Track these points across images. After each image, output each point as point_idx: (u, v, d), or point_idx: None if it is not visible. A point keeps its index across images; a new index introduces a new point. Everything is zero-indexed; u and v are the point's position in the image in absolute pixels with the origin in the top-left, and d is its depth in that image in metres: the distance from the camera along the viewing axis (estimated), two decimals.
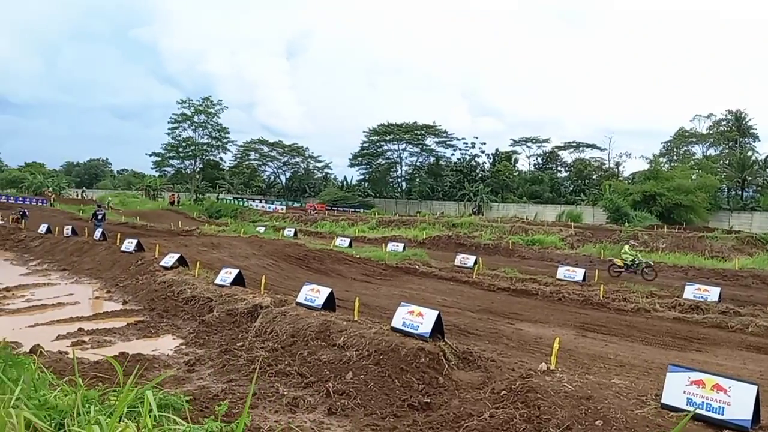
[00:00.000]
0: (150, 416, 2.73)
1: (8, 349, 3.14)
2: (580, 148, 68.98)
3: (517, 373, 5.58)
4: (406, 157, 71.98)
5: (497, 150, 68.27)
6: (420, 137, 69.08)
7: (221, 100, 64.68)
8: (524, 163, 71.64)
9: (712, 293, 12.39)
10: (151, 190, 63.31)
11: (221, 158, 69.09)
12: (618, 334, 9.09)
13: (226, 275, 10.30)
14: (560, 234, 29.60)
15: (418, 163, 71.98)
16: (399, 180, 73.72)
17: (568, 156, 70.26)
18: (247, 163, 78.72)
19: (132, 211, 41.03)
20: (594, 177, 64.16)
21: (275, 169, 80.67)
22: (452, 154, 69.91)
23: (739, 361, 7.75)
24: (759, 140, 59.85)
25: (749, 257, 23.15)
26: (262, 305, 8.09)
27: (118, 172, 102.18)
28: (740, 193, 56.36)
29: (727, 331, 9.71)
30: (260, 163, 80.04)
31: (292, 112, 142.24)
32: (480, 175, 63.03)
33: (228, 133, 65.54)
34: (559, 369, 5.46)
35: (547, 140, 70.34)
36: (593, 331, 9.22)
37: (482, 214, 48.97)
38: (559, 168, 70.83)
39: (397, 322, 6.49)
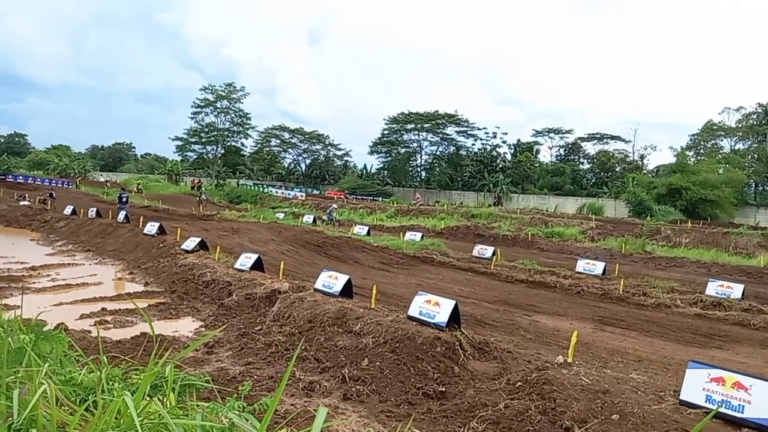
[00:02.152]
0: (174, 393, 2.79)
1: (41, 325, 3.23)
2: (604, 140, 67.82)
3: (533, 365, 5.55)
4: (426, 146, 71.72)
5: (518, 140, 67.57)
6: (441, 126, 68.65)
7: (243, 87, 65.19)
8: (546, 155, 70.80)
9: (736, 290, 12.15)
10: (174, 174, 64.20)
11: (242, 144, 69.90)
12: (637, 329, 8.98)
13: (246, 260, 10.42)
14: (581, 227, 29.26)
15: (438, 153, 71.64)
16: (418, 169, 73.48)
17: (591, 148, 69.19)
18: (267, 149, 79.29)
19: (154, 195, 41.69)
20: (617, 169, 63.10)
21: (295, 156, 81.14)
22: (473, 144, 69.43)
23: (761, 359, 7.61)
24: None
25: None
26: (281, 290, 8.17)
27: (141, 156, 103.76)
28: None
29: (749, 329, 9.52)
30: (281, 149, 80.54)
31: (313, 99, 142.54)
32: (500, 166, 62.46)
33: (249, 119, 66.14)
34: (576, 362, 5.42)
35: (570, 131, 69.36)
36: (612, 326, 9.13)
37: (502, 205, 48.60)
38: (581, 160, 69.78)
39: (413, 310, 6.50)
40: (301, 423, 3.91)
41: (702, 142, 64.00)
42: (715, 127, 62.77)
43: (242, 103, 64.16)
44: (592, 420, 4.18)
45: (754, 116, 59.59)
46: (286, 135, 78.61)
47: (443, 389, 5.15)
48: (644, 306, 10.96)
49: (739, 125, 61.28)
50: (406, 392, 5.14)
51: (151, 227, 14.97)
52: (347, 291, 7.87)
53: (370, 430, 3.10)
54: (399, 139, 71.59)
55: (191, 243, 12.50)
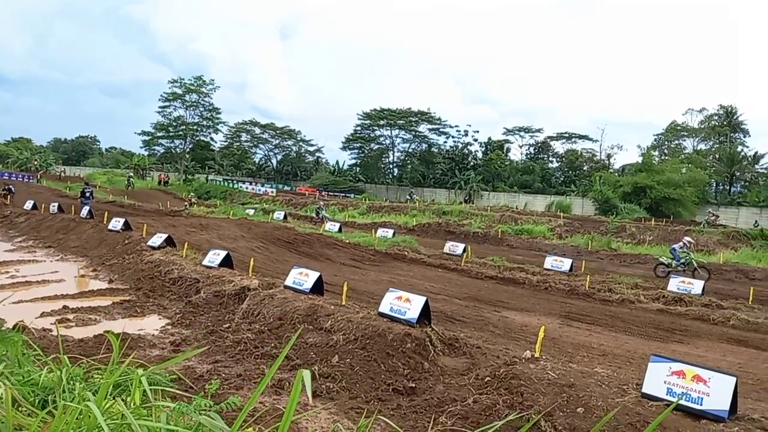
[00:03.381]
0: (138, 392, 2.72)
1: None
2: (572, 139, 69.13)
3: (501, 360, 5.63)
4: (398, 143, 71.83)
5: (489, 138, 68.32)
6: (413, 124, 68.86)
7: (213, 80, 63.88)
8: (516, 153, 71.79)
9: (696, 286, 12.57)
10: (140, 169, 62.69)
11: (212, 139, 68.70)
12: (602, 324, 9.21)
13: (214, 257, 10.26)
14: (549, 224, 29.81)
15: (410, 150, 71.85)
16: (391, 166, 73.58)
17: (560, 146, 70.45)
18: (237, 144, 78.16)
19: (120, 190, 40.64)
20: (585, 168, 64.45)
21: (266, 152, 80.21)
22: (445, 142, 69.86)
23: (720, 353, 7.89)
24: (749, 136, 60.48)
25: (734, 252, 23.51)
26: (250, 287, 8.07)
27: (106, 150, 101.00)
28: (728, 188, 57.00)
29: (709, 323, 9.86)
30: (251, 144, 79.50)
31: (284, 95, 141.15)
32: (472, 164, 63.07)
33: (219, 113, 65.00)
34: (543, 357, 5.51)
35: (539, 130, 70.46)
36: (578, 321, 9.33)
37: (473, 203, 49.11)
38: (550, 158, 70.99)
39: (384, 307, 6.51)
40: (270, 421, 3.87)
41: (666, 142, 65.92)
42: (678, 128, 64.73)
43: (212, 97, 63.01)
44: (558, 413, 4.26)
45: (716, 117, 61.68)
46: (257, 130, 77.63)
47: (413, 385, 5.17)
48: (609, 301, 11.23)
49: (702, 126, 63.34)
50: (376, 388, 5.14)
51: (116, 223, 14.59)
52: (318, 288, 7.83)
53: (338, 425, 3.09)
54: (372, 135, 71.52)
55: (158, 239, 12.24)
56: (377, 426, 4.41)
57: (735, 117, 59.99)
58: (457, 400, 4.73)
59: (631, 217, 36.94)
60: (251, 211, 29.53)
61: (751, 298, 12.24)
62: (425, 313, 6.35)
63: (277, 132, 77.51)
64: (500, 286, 12.74)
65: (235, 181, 59.57)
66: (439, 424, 4.33)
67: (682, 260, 15.99)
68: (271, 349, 5.93)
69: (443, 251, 17.83)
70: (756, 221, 40.29)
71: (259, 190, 53.31)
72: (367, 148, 72.18)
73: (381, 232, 21.78)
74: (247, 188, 53.67)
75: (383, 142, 72.11)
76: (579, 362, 6.19)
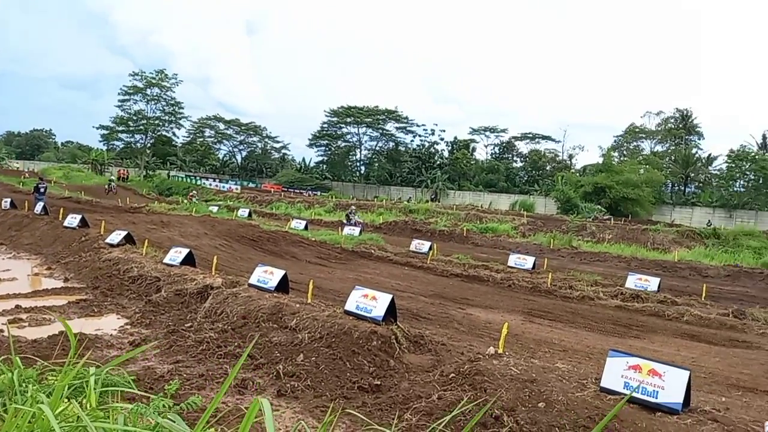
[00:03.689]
0: (95, 394, 2.64)
1: None
2: (536, 140, 70.68)
3: (465, 356, 5.69)
4: (365, 141, 71.94)
5: (455, 138, 69.16)
6: (381, 122, 69.04)
7: (176, 74, 62.46)
8: (482, 152, 72.89)
9: (652, 283, 13.01)
10: (98, 164, 60.70)
11: (174, 134, 67.21)
12: (563, 320, 9.43)
13: (176, 254, 10.02)
14: (513, 222, 30.36)
15: (377, 148, 71.98)
16: (358, 164, 73.52)
17: (524, 146, 71.97)
18: (201, 140, 76.67)
19: (77, 186, 39.25)
20: (548, 168, 65.95)
21: (231, 148, 78.98)
22: (412, 140, 70.35)
23: (674, 347, 8.19)
24: (703, 138, 63.23)
25: (688, 250, 24.46)
26: (213, 286, 7.93)
27: (62, 144, 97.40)
28: (683, 188, 59.26)
29: (664, 319, 10.22)
30: (215, 140, 78.12)
31: (250, 91, 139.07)
32: (438, 163, 63.67)
33: (182, 108, 63.66)
34: (507, 353, 5.60)
35: (504, 130, 71.76)
36: (540, 317, 9.53)
37: (439, 201, 49.54)
38: (515, 158, 72.39)
39: (350, 305, 6.49)
40: (232, 421, 3.81)
41: (625, 144, 68.11)
42: (637, 130, 66.97)
43: (174, 91, 61.60)
44: (520, 408, 4.34)
45: (672, 120, 64.12)
46: (221, 126, 76.31)
47: (378, 382, 5.18)
48: (570, 298, 11.51)
49: (659, 128, 65.73)
50: (341, 386, 5.13)
51: (72, 219, 14.07)
52: (283, 286, 7.74)
53: (302, 424, 3.06)
54: (339, 133, 71.36)
55: (117, 236, 11.86)
56: (342, 424, 4.41)
57: (690, 120, 62.50)
58: (422, 397, 4.76)
59: (592, 217, 37.99)
60: (215, 208, 28.99)
61: (703, 295, 12.74)
62: (391, 310, 6.37)
63: (242, 128, 76.39)
64: (465, 283, 12.88)
65: (198, 178, 58.39)
66: (405, 421, 4.35)
67: None
68: (235, 349, 5.84)
69: (409, 249, 17.92)
70: (709, 221, 42.02)
71: (223, 186, 52.45)
72: (334, 145, 71.97)
73: (347, 230, 21.73)
74: (210, 185, 52.70)
75: (350, 140, 72.08)
76: (541, 358, 6.32)
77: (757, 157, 48.67)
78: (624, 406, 4.27)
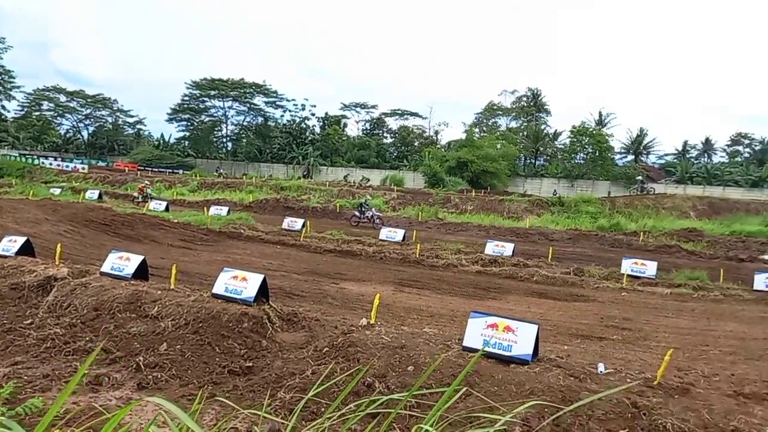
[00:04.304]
0: None
1: None
2: (404, 116, 72.80)
3: (339, 330, 5.76)
4: (232, 116, 68.64)
5: (327, 114, 68.73)
6: (248, 95, 66.20)
7: (4, 38, 53.91)
8: (353, 128, 73.40)
9: (507, 249, 14.24)
10: None
11: (3, 107, 58.29)
12: (431, 288, 9.96)
13: (10, 244, 8.77)
14: (384, 197, 31.19)
15: (245, 123, 69.15)
16: (224, 140, 70.08)
17: (393, 123, 73.77)
18: (38, 114, 67.43)
19: None
20: (416, 144, 68.47)
21: (75, 123, 70.63)
22: (282, 116, 68.60)
23: (525, 305, 9.07)
24: (551, 115, 69.92)
25: (537, 217, 27.15)
26: (57, 277, 7.08)
27: None
28: (534, 161, 65.28)
29: (517, 280, 11.27)
30: (55, 114, 69.25)
31: (97, 58, 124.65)
32: (310, 138, 62.95)
33: (13, 77, 55.46)
34: (378, 323, 5.77)
35: (374, 106, 72.82)
36: (410, 287, 9.97)
37: (311, 178, 49.19)
38: (385, 134, 73.99)
39: (219, 288, 6.22)
40: (84, 421, 3.46)
41: (484, 120, 72.96)
42: (494, 107, 72.04)
43: (2, 57, 53.26)
44: (391, 374, 4.52)
45: (525, 98, 69.95)
46: (63, 98, 67.73)
47: (250, 364, 5.04)
48: (437, 267, 12.19)
49: (513, 106, 71.39)
50: (210, 372, 4.91)
51: None
52: (142, 273, 7.16)
53: (162, 414, 2.87)
54: (202, 106, 67.13)
55: None
56: (212, 410, 4.23)
57: (539, 99, 68.70)
58: (295, 374, 4.74)
59: (456, 189, 40.35)
60: (57, 191, 25.88)
61: (550, 257, 14.26)
62: (263, 290, 6.22)
63: (88, 100, 68.54)
64: (338, 258, 13.02)
65: (35, 157, 51.46)
66: (278, 399, 4.29)
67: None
68: (86, 344, 5.29)
69: (282, 227, 17.62)
70: (555, 190, 46.89)
71: (67, 166, 46.93)
72: (198, 120, 67.72)
73: (214, 210, 20.72)
74: (51, 164, 46.82)
75: (215, 115, 68.29)
76: (410, 324, 6.63)
77: (594, 132, 55.07)
78: (484, 361, 4.65)
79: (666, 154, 67.08)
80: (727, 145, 66.30)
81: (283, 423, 2.90)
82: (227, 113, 67.96)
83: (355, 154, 63.29)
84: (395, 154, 68.60)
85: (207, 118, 68.04)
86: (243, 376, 4.88)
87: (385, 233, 16.42)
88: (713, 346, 6.76)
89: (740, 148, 65.52)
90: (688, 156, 65.62)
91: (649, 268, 12.31)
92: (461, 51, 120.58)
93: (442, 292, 9.77)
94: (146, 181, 29.05)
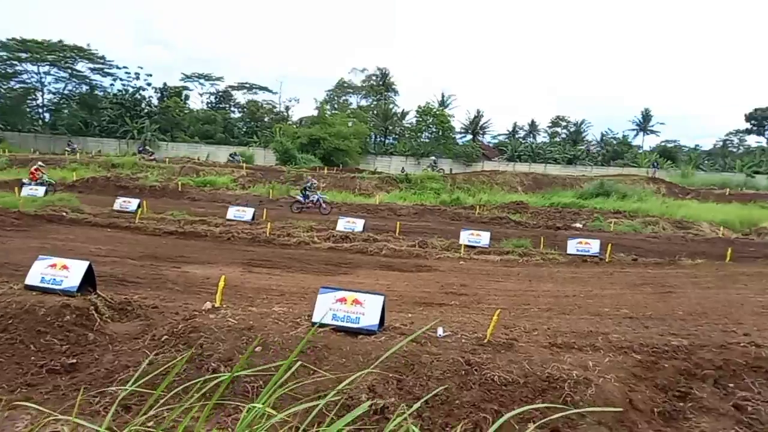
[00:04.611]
0: None
1: None
2: (253, 90, 70.20)
3: (180, 316, 5.42)
4: (50, 83, 59.81)
5: (165, 84, 63.34)
6: (68, 60, 58.10)
7: None
8: (197, 101, 68.89)
9: (358, 224, 14.59)
10: None
11: None
12: (281, 267, 9.83)
13: None
14: (232, 175, 29.93)
15: (66, 92, 60.82)
16: (40, 110, 61.02)
17: (241, 97, 70.67)
18: None
19: None
20: (266, 119, 66.49)
21: None
22: (112, 85, 61.53)
23: (374, 278, 9.41)
24: (399, 95, 72.61)
25: (387, 193, 28.24)
26: None
27: None
28: (383, 139, 67.50)
29: (367, 255, 11.63)
30: None
31: None
32: (146, 111, 57.56)
33: None
34: (224, 306, 5.55)
35: (220, 78, 69.08)
36: (259, 266, 9.73)
37: (151, 154, 45.19)
38: (232, 108, 70.65)
39: (33, 278, 5.46)
40: None
41: (336, 98, 73.30)
42: (345, 85, 72.66)
43: None
44: (237, 356, 4.38)
45: (374, 77, 71.61)
46: None
47: (74, 361, 4.52)
48: (288, 245, 12.06)
49: (363, 84, 72.69)
50: (24, 374, 4.31)
51: None
52: None
53: None
54: (10, 71, 57.43)
55: None
56: (27, 415, 3.71)
57: (388, 78, 70.88)
58: (129, 366, 4.36)
59: (309, 167, 40.15)
60: None
61: (397, 231, 14.92)
62: (89, 279, 5.59)
63: None
64: (181, 240, 12.21)
65: None
66: (107, 395, 3.91)
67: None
68: None
69: (113, 209, 15.98)
70: (403, 168, 49.00)
71: None
72: (5, 87, 57.84)
73: (28, 190, 18.05)
74: None
75: (28, 81, 58.97)
76: (259, 305, 6.47)
77: (437, 112, 58.46)
78: (333, 335, 4.72)
79: (499, 134, 74.11)
80: (549, 127, 75.11)
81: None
82: (43, 80, 59.14)
83: (198, 129, 59.40)
84: (244, 130, 65.93)
85: (17, 85, 58.44)
86: (66, 375, 4.36)
87: (233, 212, 15.76)
88: (534, 305, 7.68)
89: (559, 129, 74.57)
90: (517, 136, 73.01)
91: (483, 238, 13.53)
92: (312, 25, 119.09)
93: (294, 270, 9.70)
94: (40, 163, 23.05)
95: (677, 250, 13.81)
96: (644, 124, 70.77)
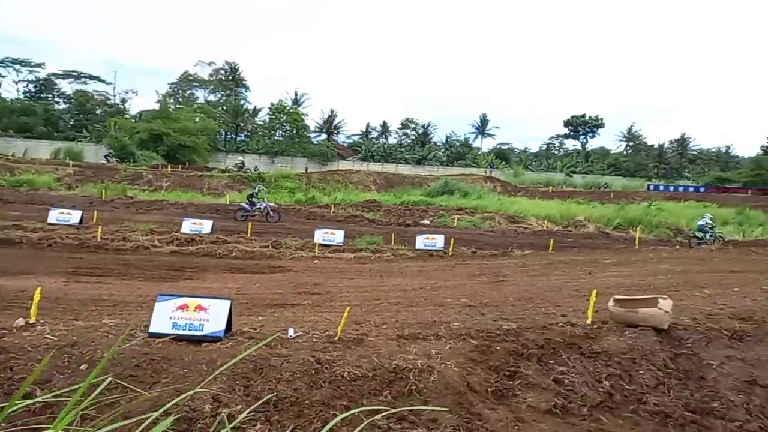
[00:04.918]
0: None
1: None
2: (82, 79, 62.84)
3: None
4: None
5: None
6: None
7: None
8: (11, 90, 59.70)
9: (206, 226, 13.82)
10: None
11: None
12: (115, 274, 8.91)
13: None
14: (56, 173, 26.52)
15: None
16: None
17: (67, 86, 62.83)
18: None
19: None
20: (98, 112, 59.99)
21: None
22: None
23: (223, 282, 8.96)
24: (250, 91, 70.40)
25: (239, 193, 27.17)
26: None
27: None
28: (234, 137, 64.90)
29: (215, 258, 11.05)
30: None
31: None
32: None
33: None
34: (41, 321, 4.88)
35: (41, 65, 60.73)
36: (88, 275, 8.71)
37: None
38: (56, 99, 62.50)
39: None
40: None
41: (180, 91, 68.62)
42: (191, 78, 68.34)
43: None
44: (57, 377, 3.88)
45: (223, 72, 68.42)
46: None
47: None
48: (124, 250, 10.98)
49: (211, 78, 69.06)
50: None
51: None
52: None
53: None
54: None
55: None
56: None
57: (238, 73, 68.27)
58: None
59: (149, 164, 37.07)
60: None
61: (249, 232, 14.41)
62: None
63: None
64: None
65: None
66: None
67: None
68: None
69: None
70: (255, 166, 47.58)
71: None
72: None
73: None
74: None
75: None
76: (86, 318, 5.78)
77: (291, 111, 57.77)
78: (174, 345, 4.38)
79: (353, 135, 75.72)
80: (399, 128, 78.62)
81: None
82: None
83: (14, 121, 51.55)
84: (71, 123, 58.69)
85: None
86: None
87: (56, 216, 13.88)
88: (384, 299, 7.93)
89: (408, 131, 78.41)
90: (370, 137, 75.22)
91: (338, 236, 13.67)
92: (151, 11, 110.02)
93: (130, 277, 8.84)
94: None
95: (510, 242, 15.34)
96: (482, 127, 77.76)
